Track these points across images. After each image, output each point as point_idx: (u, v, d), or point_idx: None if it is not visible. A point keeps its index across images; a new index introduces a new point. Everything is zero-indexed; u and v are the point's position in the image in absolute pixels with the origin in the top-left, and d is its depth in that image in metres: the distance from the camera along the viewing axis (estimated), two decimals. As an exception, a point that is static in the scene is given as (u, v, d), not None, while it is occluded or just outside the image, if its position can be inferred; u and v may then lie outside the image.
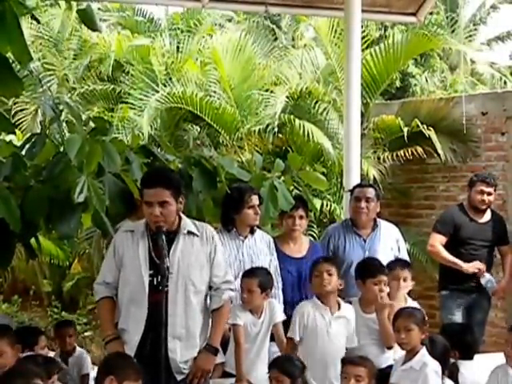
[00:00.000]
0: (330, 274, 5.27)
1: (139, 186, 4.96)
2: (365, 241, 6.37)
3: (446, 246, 7.26)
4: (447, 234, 7.28)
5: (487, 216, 7.34)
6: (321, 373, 5.19)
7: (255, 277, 5.37)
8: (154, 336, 4.52)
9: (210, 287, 4.75)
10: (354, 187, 6.66)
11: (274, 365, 4.81)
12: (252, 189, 5.83)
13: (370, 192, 6.42)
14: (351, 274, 5.91)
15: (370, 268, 5.62)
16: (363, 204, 6.34)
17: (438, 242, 7.30)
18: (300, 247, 6.22)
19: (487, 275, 7.16)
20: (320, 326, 5.23)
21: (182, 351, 4.61)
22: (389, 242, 6.42)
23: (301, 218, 6.17)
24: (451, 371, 5.20)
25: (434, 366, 4.87)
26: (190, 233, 4.68)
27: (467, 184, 7.46)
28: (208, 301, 4.80)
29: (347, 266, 6.17)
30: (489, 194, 7.26)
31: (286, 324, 5.45)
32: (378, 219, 6.49)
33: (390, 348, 5.44)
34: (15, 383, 3.91)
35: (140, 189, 4.75)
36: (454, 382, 5.15)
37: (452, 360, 5.28)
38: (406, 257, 6.48)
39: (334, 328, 5.25)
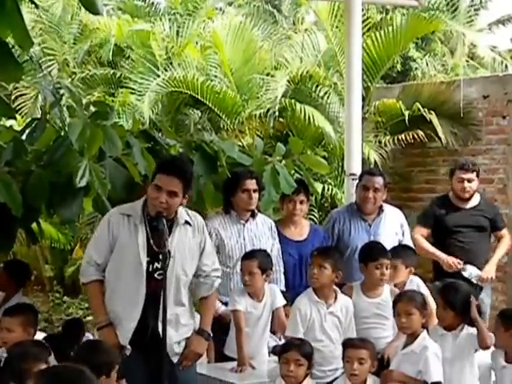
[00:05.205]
0: (322, 268, 5.19)
1: (140, 170, 4.97)
2: (370, 225, 6.36)
3: (433, 237, 7.06)
4: (428, 225, 7.05)
5: (475, 201, 7.05)
6: (316, 365, 5.13)
7: (255, 258, 5.39)
8: (148, 322, 4.56)
9: (196, 275, 4.76)
10: (363, 173, 6.61)
11: (292, 347, 4.72)
12: (249, 173, 5.82)
13: (379, 182, 6.35)
14: (356, 259, 5.91)
15: (372, 251, 5.62)
16: (371, 194, 6.30)
17: (418, 234, 6.99)
18: (301, 230, 6.24)
19: (468, 267, 6.81)
20: (315, 320, 5.20)
21: (172, 334, 4.58)
22: (393, 227, 6.42)
23: (301, 202, 6.18)
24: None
25: (435, 349, 4.88)
26: (185, 222, 4.69)
27: (449, 174, 7.18)
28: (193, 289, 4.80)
29: (352, 250, 6.18)
30: (469, 180, 6.92)
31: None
32: (382, 204, 6.46)
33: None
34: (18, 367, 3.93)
35: (149, 176, 4.75)
36: None
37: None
38: (409, 241, 6.49)
39: (329, 321, 5.23)
